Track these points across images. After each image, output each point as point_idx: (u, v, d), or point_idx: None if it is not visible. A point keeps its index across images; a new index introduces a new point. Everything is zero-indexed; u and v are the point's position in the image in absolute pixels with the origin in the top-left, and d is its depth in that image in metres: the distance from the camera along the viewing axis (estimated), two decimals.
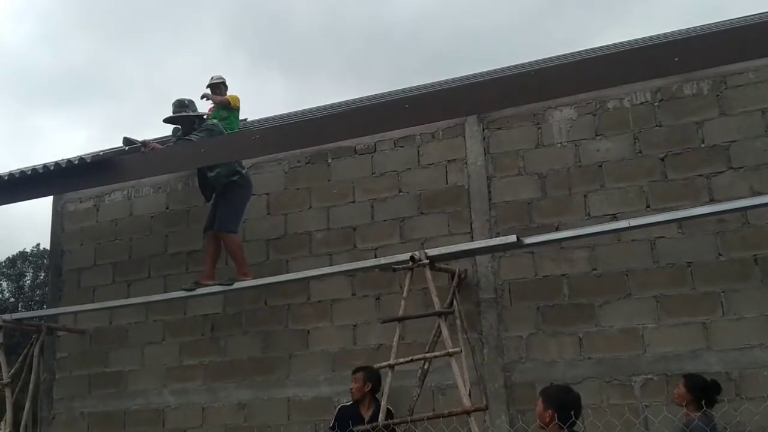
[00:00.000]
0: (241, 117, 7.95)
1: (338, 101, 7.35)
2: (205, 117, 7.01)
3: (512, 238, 5.66)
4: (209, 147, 6.24)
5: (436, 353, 5.45)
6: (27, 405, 6.84)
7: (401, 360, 5.34)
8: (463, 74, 7.87)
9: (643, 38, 7.04)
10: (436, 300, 5.51)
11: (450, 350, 5.18)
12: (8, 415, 6.46)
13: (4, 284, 35.24)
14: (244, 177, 6.72)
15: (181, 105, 6.80)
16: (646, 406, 5.57)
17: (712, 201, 5.72)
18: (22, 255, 35.11)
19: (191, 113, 6.80)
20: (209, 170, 6.58)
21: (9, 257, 35.02)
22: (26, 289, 34.85)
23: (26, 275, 35.20)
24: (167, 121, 6.85)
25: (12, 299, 33.91)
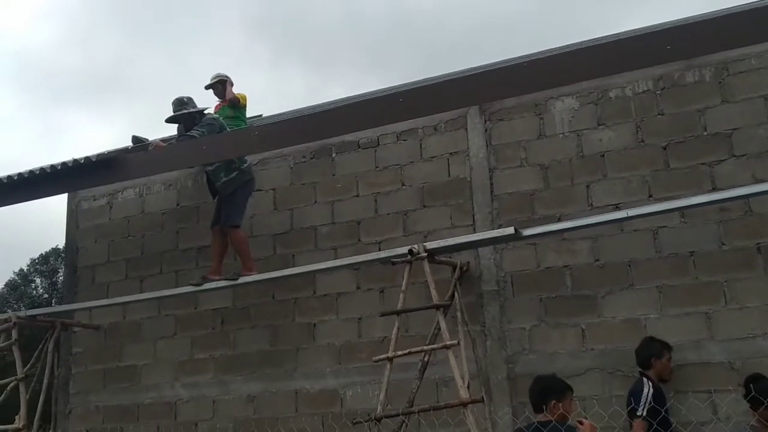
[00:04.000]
0: (257, 112, 8.05)
1: (343, 96, 7.37)
2: (206, 113, 7.09)
3: (510, 230, 5.66)
4: (210, 144, 6.32)
5: (434, 346, 5.47)
6: (41, 400, 7.01)
7: (399, 353, 5.37)
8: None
9: (648, 26, 6.93)
10: (434, 293, 5.52)
11: (447, 343, 5.20)
12: (22, 410, 6.63)
13: (38, 281, 35.95)
14: (243, 172, 6.80)
15: (181, 103, 6.91)
16: None
17: (714, 189, 5.66)
18: (55, 251, 35.74)
19: (192, 110, 6.90)
20: (208, 165, 6.68)
21: (42, 254, 35.68)
22: (59, 286, 35.49)
23: (59, 271, 35.79)
24: (169, 120, 6.96)
25: (45, 295, 34.59)
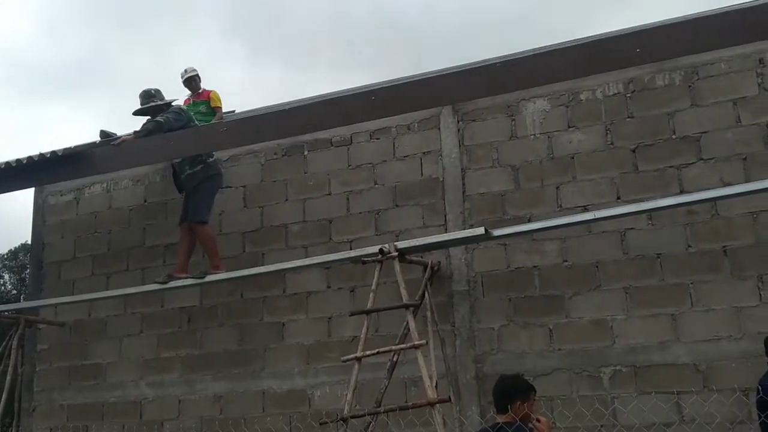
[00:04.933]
0: (230, 108, 8.00)
1: (315, 94, 7.34)
2: (173, 104, 7.02)
3: (481, 230, 5.67)
4: (179, 139, 6.26)
5: (402, 345, 5.46)
6: (4, 397, 6.89)
7: (368, 353, 5.34)
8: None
9: (620, 29, 6.98)
10: (404, 292, 5.51)
11: (416, 342, 5.18)
12: None
13: (6, 276, 35.37)
14: (208, 166, 6.74)
15: (148, 95, 6.86)
16: (614, 397, 5.57)
17: (682, 192, 5.70)
18: (24, 247, 35.12)
19: (159, 102, 6.85)
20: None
21: (11, 249, 35.11)
22: (28, 281, 34.83)
23: (28, 267, 35.14)
24: (137, 113, 6.88)
25: (14, 291, 34.05)
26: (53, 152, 6.46)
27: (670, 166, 5.82)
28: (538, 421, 3.48)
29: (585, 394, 5.63)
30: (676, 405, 5.34)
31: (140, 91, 6.88)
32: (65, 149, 6.52)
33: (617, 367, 5.62)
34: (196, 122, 7.02)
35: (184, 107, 7.09)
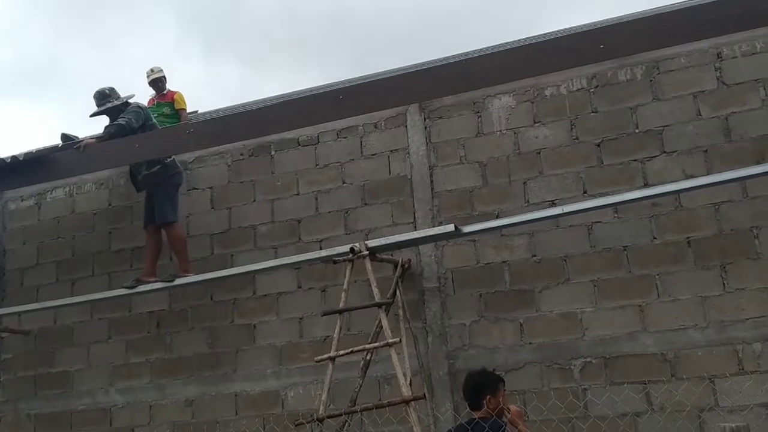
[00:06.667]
0: (192, 108, 7.91)
1: (280, 93, 7.28)
2: (130, 102, 6.92)
3: (450, 227, 5.70)
4: (144, 141, 6.17)
5: (375, 344, 5.46)
6: None
7: (341, 352, 5.34)
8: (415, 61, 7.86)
9: (582, 25, 7.07)
10: (376, 291, 5.52)
11: (390, 340, 5.19)
12: None
13: None
14: (167, 167, 6.66)
15: (103, 96, 6.74)
16: (585, 389, 5.65)
17: (646, 185, 5.81)
18: None
19: (116, 102, 6.73)
20: None
21: None
22: None
23: None
24: (94, 115, 6.76)
25: None
26: (13, 157, 6.31)
27: (634, 160, 5.92)
28: (509, 410, 3.53)
29: (557, 387, 5.71)
30: (646, 394, 5.45)
31: (94, 92, 6.73)
32: (26, 154, 6.37)
33: (587, 359, 5.71)
34: (154, 120, 6.92)
35: (142, 104, 6.96)
